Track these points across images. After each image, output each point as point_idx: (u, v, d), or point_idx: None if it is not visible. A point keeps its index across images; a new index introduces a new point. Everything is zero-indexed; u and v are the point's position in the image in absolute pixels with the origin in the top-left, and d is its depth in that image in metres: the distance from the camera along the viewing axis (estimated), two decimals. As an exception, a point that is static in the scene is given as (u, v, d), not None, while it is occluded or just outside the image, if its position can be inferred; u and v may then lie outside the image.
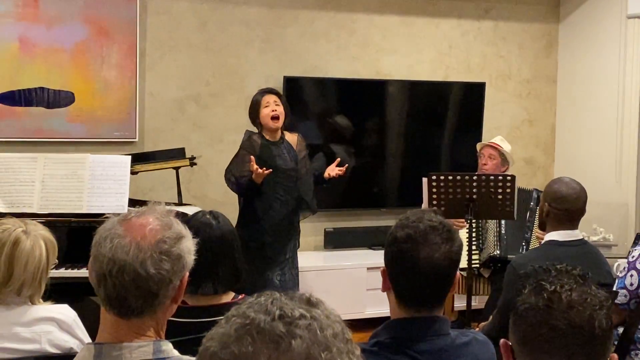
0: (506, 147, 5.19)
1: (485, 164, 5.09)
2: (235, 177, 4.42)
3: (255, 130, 4.56)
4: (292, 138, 4.62)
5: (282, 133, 4.56)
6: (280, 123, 4.48)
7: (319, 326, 0.89)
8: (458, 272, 2.00)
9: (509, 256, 4.54)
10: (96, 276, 1.55)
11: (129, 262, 1.50)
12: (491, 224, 4.91)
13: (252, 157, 4.30)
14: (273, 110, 4.43)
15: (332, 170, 4.58)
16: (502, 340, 1.48)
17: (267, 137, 4.50)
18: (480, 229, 4.90)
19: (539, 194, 4.93)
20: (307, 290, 0.97)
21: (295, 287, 4.66)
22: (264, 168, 4.25)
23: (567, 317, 1.38)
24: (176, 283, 1.56)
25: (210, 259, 2.40)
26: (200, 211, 2.67)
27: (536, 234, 4.70)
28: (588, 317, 1.39)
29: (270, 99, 4.47)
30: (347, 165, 4.65)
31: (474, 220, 4.38)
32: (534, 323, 1.40)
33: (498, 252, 4.84)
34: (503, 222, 4.87)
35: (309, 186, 4.64)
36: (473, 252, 4.56)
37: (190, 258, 1.59)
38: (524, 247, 4.81)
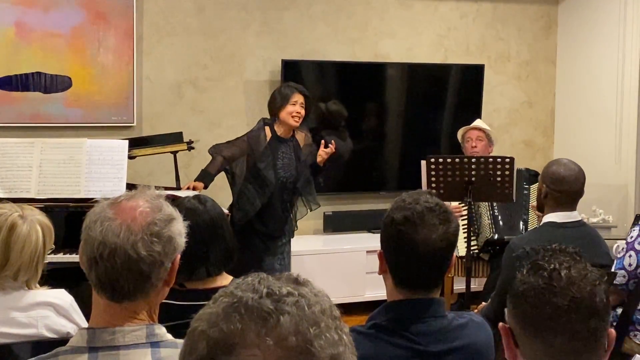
0: (486, 128, 5.17)
1: (475, 147, 5.04)
2: (215, 153, 4.62)
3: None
4: (300, 136, 4.72)
5: (292, 131, 4.66)
6: (298, 124, 4.59)
7: (307, 303, 0.89)
8: (454, 255, 2.00)
9: (505, 237, 4.52)
10: (87, 260, 1.54)
11: (120, 244, 1.49)
12: (484, 208, 4.86)
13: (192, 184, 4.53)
14: (297, 112, 4.53)
15: (322, 153, 4.65)
16: (500, 324, 1.47)
17: (279, 132, 4.59)
18: (473, 213, 4.85)
19: (529, 173, 4.92)
20: (306, 273, 0.97)
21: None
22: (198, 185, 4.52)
23: (569, 294, 1.38)
24: (168, 265, 1.55)
25: (199, 244, 2.39)
26: (186, 197, 2.65)
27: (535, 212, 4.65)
28: (589, 293, 1.39)
29: (299, 99, 4.56)
30: (332, 141, 4.71)
31: (472, 204, 4.36)
32: (536, 303, 1.39)
33: (495, 235, 4.81)
34: (495, 204, 4.84)
35: (309, 183, 4.76)
36: (471, 238, 4.54)
37: (181, 240, 1.58)
38: (524, 228, 4.78)
